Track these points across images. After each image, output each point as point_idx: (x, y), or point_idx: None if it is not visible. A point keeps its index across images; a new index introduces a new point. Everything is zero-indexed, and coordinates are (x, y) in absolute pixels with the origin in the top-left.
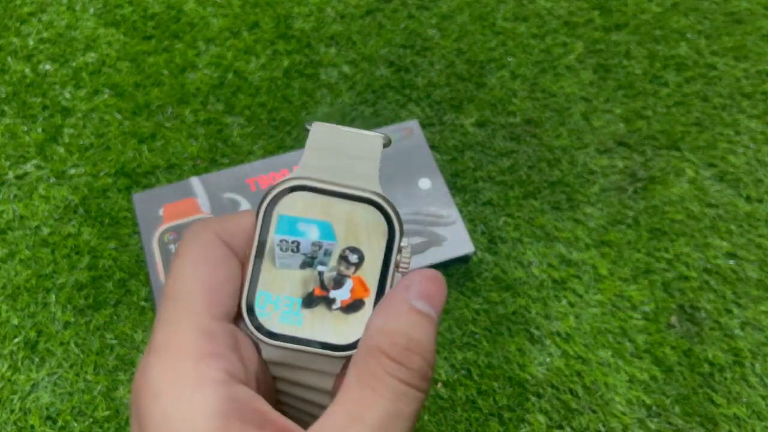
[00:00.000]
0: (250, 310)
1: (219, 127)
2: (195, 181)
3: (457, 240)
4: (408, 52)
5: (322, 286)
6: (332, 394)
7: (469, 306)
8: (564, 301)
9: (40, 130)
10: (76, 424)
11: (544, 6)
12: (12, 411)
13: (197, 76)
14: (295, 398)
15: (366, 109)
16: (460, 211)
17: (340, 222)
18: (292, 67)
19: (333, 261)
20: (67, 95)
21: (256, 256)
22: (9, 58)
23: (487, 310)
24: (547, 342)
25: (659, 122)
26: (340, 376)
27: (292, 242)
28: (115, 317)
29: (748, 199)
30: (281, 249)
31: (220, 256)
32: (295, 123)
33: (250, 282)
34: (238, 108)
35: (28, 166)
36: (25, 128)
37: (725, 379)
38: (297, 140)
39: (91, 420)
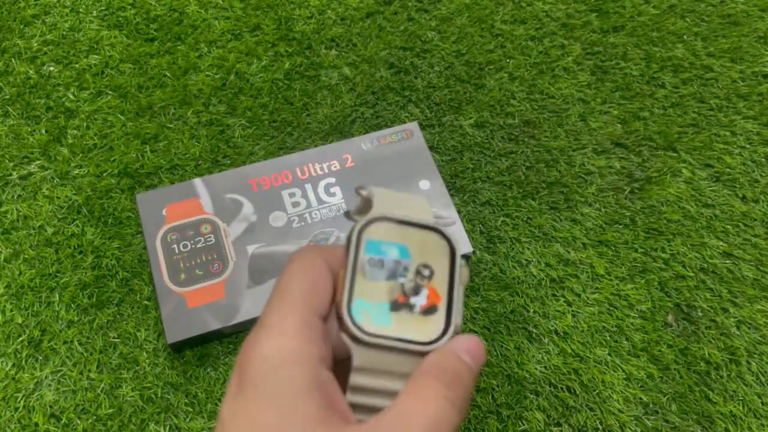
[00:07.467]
0: (349, 313)
1: (221, 128)
2: (198, 182)
3: (455, 240)
4: (408, 54)
5: (404, 293)
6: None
7: (468, 305)
8: (562, 300)
9: (43, 131)
10: (79, 422)
11: (542, 8)
12: (16, 409)
13: (199, 78)
14: (359, 404)
15: (366, 110)
16: (459, 212)
17: (414, 244)
18: (293, 68)
19: (410, 275)
20: (71, 96)
21: (350, 271)
22: (13, 60)
23: (486, 309)
24: (545, 340)
25: (656, 123)
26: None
27: (378, 260)
28: (118, 316)
29: (743, 199)
30: (370, 265)
31: (322, 269)
32: (296, 124)
33: (348, 291)
34: (240, 109)
35: (32, 167)
36: (29, 129)
37: (721, 377)
38: (298, 141)
39: (94, 417)
